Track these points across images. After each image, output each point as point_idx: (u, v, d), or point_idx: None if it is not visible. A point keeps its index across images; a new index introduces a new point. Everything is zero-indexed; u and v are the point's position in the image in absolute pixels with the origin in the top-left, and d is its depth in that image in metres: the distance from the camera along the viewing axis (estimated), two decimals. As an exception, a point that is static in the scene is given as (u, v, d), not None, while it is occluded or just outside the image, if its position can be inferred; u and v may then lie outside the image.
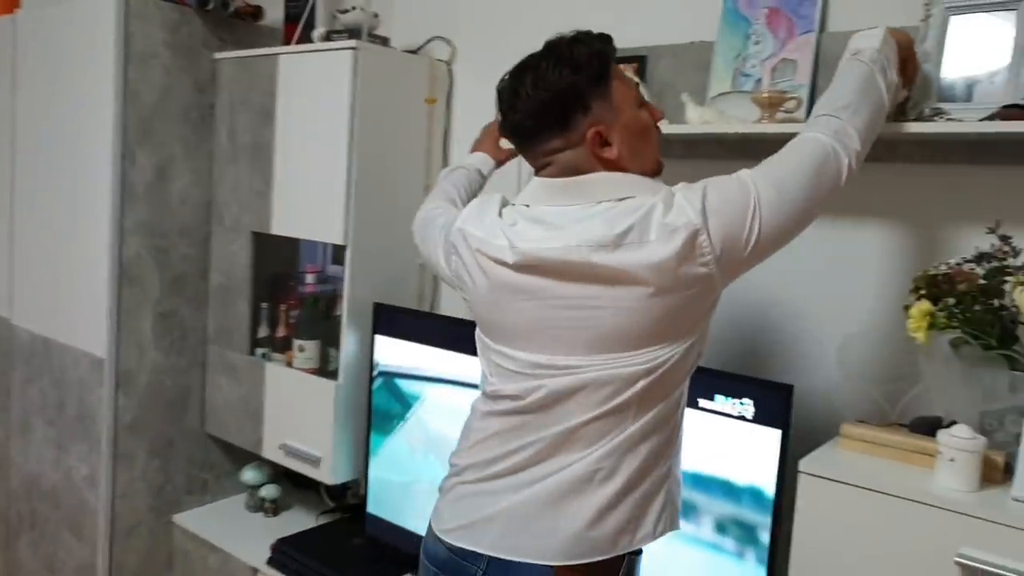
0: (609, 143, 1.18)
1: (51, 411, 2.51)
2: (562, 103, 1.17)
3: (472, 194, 1.61)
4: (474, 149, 1.78)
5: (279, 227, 2.23)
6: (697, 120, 1.61)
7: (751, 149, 1.70)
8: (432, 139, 2.26)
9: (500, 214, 1.26)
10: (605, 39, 1.21)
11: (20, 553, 2.65)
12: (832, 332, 1.63)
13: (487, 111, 2.17)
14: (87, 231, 2.34)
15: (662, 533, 1.23)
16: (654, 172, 1.24)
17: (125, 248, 2.29)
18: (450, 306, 2.29)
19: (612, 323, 1.14)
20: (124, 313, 2.31)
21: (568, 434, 1.19)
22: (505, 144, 1.76)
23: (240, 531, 2.36)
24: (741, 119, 1.59)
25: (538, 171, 1.25)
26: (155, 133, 2.32)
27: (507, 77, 1.23)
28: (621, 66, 1.27)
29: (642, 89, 1.34)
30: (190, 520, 2.43)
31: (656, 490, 1.22)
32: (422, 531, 1.95)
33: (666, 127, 1.69)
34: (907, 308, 1.35)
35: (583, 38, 1.20)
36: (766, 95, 1.52)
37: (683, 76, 1.77)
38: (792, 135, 1.55)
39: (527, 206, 1.24)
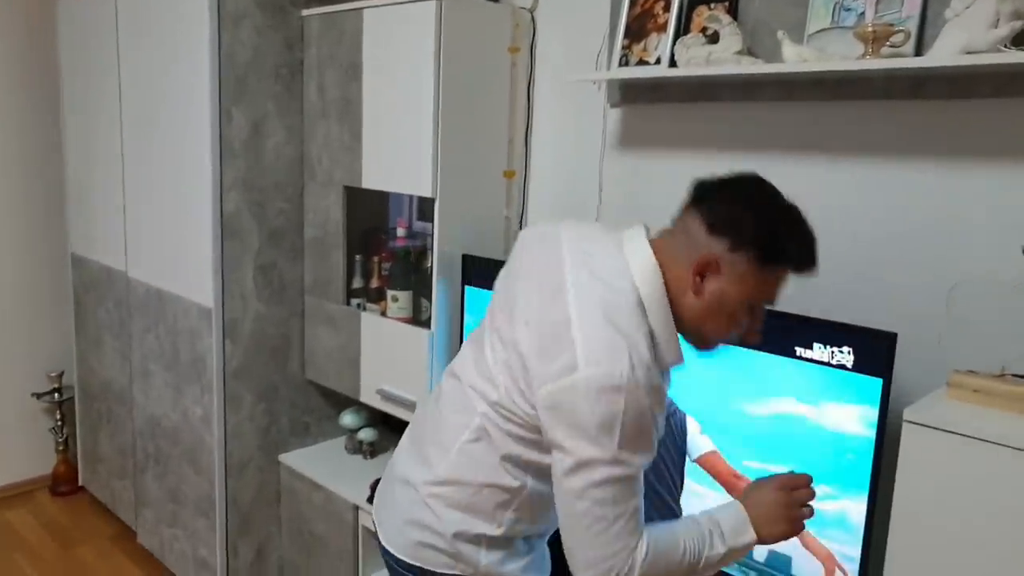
0: (702, 280, 1.15)
1: (167, 357, 2.61)
2: (734, 219, 1.13)
3: None
4: None
5: (369, 181, 2.22)
6: (795, 58, 1.49)
7: (853, 89, 1.58)
8: (515, 89, 2.19)
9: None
10: (812, 260, 1.16)
11: (148, 484, 2.81)
12: (941, 278, 1.51)
13: (570, 59, 2.10)
14: (190, 188, 2.39)
15: None
16: (688, 337, 1.20)
17: (225, 203, 2.33)
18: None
19: None
20: (227, 265, 2.36)
21: None
22: None
23: (341, 471, 2.42)
24: (843, 56, 1.47)
25: (668, 229, 1.23)
26: (249, 91, 2.32)
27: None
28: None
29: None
30: (295, 460, 2.51)
31: None
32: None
33: (761, 68, 1.58)
34: (1026, 252, 1.23)
35: (808, 235, 1.16)
36: (871, 29, 1.39)
37: (778, 12, 1.64)
38: (900, 71, 1.44)
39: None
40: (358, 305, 2.37)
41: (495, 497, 1.24)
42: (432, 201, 2.06)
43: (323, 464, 2.48)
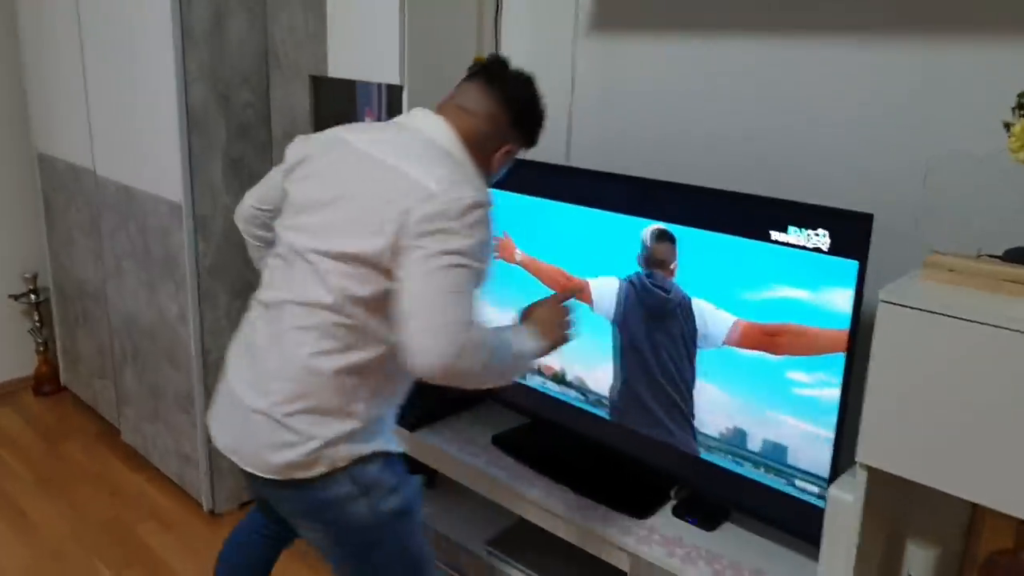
0: (496, 153, 1.38)
1: (139, 255, 2.52)
2: (529, 117, 1.40)
3: None
4: None
5: (336, 70, 2.08)
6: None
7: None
8: (488, -31, 2.04)
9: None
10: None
11: (127, 381, 2.76)
12: (919, 156, 1.44)
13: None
14: (153, 79, 2.24)
15: None
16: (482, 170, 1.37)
17: (190, 95, 2.19)
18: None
19: None
20: (195, 160, 2.24)
21: None
22: None
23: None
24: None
25: (450, 102, 1.38)
26: (208, -26, 2.15)
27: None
28: None
29: None
30: (273, 355, 2.45)
31: None
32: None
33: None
34: (1008, 126, 1.15)
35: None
36: None
37: None
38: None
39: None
40: (330, 200, 2.26)
41: (344, 398, 1.28)
42: (400, 92, 1.94)
43: (300, 360, 2.43)
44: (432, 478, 2.19)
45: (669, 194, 1.55)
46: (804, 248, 1.37)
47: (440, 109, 1.37)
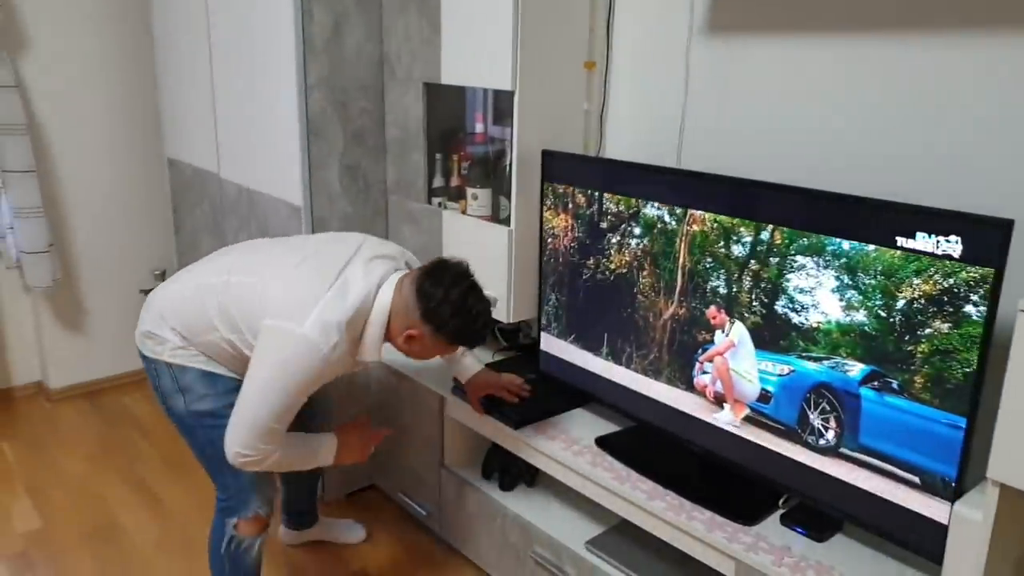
0: (409, 339, 1.63)
1: (259, 255, 2.63)
2: (440, 316, 1.58)
3: None
4: None
5: (449, 76, 2.12)
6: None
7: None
8: (598, -24, 2.03)
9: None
10: (474, 343, 1.70)
11: (245, 375, 2.89)
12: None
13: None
14: (275, 88, 2.34)
15: None
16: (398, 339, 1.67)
17: (310, 103, 2.27)
18: (616, 150, 2.13)
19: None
20: (314, 165, 2.33)
21: None
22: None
23: (425, 365, 2.42)
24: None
25: (405, 277, 1.65)
26: (329, -12, 2.23)
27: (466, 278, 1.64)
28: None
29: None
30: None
31: None
32: (592, 368, 1.91)
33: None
34: None
35: (480, 328, 1.65)
36: None
37: None
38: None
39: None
40: (439, 204, 2.31)
41: (195, 322, 1.70)
42: (510, 99, 1.95)
43: (406, 357, 2.48)
44: (533, 476, 2.21)
45: (788, 198, 1.51)
46: (933, 255, 1.30)
47: (401, 277, 1.65)
